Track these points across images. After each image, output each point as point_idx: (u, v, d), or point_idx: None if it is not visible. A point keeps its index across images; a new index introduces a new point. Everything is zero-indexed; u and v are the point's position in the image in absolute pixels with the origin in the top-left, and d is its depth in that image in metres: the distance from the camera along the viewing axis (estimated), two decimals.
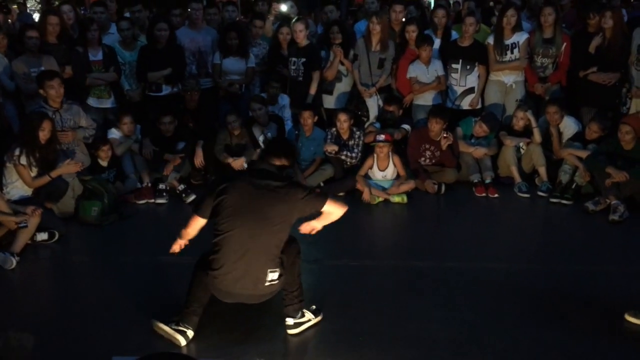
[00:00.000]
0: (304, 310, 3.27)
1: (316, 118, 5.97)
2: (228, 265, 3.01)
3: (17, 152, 4.66)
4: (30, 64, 5.63)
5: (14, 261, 4.09)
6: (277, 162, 3.15)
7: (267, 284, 3.05)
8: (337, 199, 3.36)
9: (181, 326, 3.10)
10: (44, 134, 4.71)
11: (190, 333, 3.10)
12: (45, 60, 5.68)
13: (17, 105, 5.85)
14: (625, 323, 3.26)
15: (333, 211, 3.20)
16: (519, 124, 5.80)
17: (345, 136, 5.85)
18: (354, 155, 5.82)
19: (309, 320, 3.27)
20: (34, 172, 4.75)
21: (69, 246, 4.52)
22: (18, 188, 4.74)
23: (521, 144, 5.79)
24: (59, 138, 5.18)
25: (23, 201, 4.60)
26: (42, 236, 4.49)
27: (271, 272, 3.03)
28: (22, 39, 5.72)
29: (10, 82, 5.69)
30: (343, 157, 5.80)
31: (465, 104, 6.24)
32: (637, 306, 3.30)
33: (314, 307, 3.35)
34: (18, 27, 6.55)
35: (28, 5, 18.87)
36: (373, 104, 6.36)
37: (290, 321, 3.22)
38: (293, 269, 3.21)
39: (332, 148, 5.77)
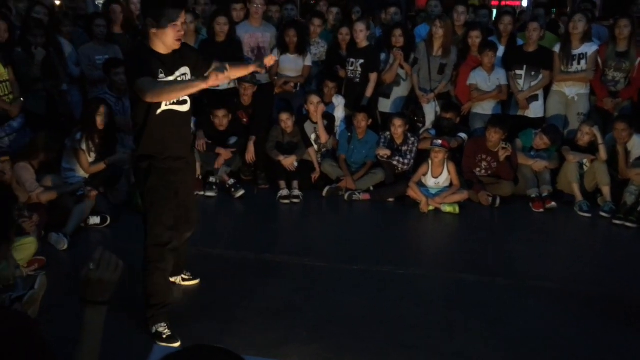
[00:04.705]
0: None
1: (370, 121, 5.88)
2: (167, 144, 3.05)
3: (78, 136, 4.81)
4: (96, 51, 5.80)
5: (66, 242, 4.20)
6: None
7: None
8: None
9: (162, 331, 3.05)
10: (101, 119, 4.83)
11: (164, 329, 3.06)
12: (110, 49, 5.84)
13: (82, 92, 6.03)
14: None
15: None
16: (583, 139, 5.52)
17: (398, 141, 5.73)
18: (406, 161, 5.70)
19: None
20: (92, 157, 4.88)
21: (119, 232, 4.60)
22: (76, 172, 4.87)
23: (585, 161, 5.52)
24: (123, 125, 5.30)
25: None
26: (95, 220, 4.61)
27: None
28: (91, 26, 5.90)
29: (75, 68, 5.87)
30: (395, 163, 5.68)
31: (529, 111, 6.01)
32: None
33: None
34: (88, 14, 6.76)
35: None
36: (430, 110, 6.21)
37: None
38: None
39: (384, 152, 5.66)
